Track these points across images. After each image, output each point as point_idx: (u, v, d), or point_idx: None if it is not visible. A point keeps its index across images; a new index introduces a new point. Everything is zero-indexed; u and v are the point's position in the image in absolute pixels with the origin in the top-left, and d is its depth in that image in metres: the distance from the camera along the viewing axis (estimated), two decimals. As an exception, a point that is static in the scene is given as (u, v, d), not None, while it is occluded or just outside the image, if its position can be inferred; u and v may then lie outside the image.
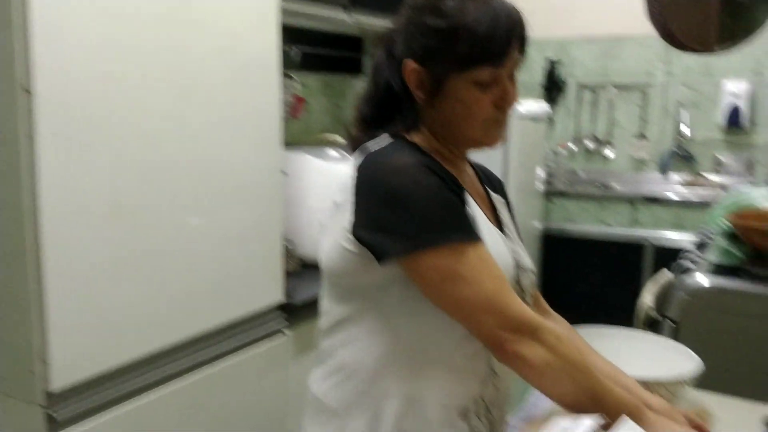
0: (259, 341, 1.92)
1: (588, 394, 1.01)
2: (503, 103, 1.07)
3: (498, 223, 1.19)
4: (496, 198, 1.24)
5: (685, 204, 3.56)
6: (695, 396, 1.52)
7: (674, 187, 3.87)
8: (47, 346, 1.37)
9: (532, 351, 1.00)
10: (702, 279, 1.93)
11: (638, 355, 1.52)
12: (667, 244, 3.45)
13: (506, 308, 1.01)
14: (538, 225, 3.55)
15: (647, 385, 1.31)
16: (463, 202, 1.06)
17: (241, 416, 1.87)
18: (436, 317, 1.05)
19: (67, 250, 1.39)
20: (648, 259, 3.50)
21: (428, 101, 1.10)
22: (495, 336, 1.00)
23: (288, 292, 2.03)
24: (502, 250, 1.10)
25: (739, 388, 1.58)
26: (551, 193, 3.74)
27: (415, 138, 1.12)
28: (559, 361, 1.00)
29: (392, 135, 1.13)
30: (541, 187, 3.53)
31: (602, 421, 0.96)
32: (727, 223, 2.28)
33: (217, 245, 1.76)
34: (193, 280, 1.70)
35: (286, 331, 2.01)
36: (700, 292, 1.90)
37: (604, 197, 3.72)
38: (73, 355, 1.42)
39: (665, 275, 2.22)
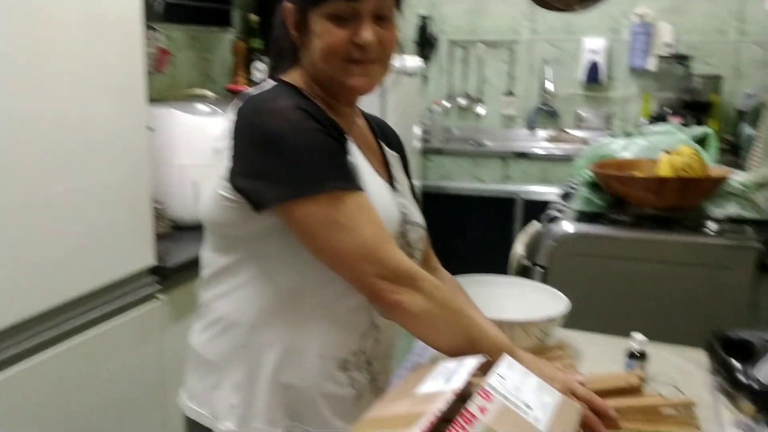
0: (132, 307, 1.83)
1: (466, 339, 1.02)
2: (358, 39, 1.03)
3: (389, 178, 1.17)
4: (390, 153, 1.22)
5: (550, 158, 3.73)
6: (565, 334, 1.60)
7: (541, 143, 4.04)
8: None
9: (410, 300, 0.99)
10: (567, 226, 2.02)
11: (513, 299, 1.58)
12: (536, 198, 3.61)
13: (384, 257, 0.99)
14: (416, 183, 3.60)
15: (522, 325, 1.36)
16: (344, 149, 1.04)
17: (118, 383, 1.80)
18: (316, 268, 1.03)
19: None
20: (519, 212, 3.65)
21: (301, 41, 1.08)
22: (373, 285, 0.99)
23: (160, 256, 1.94)
24: (388, 203, 1.09)
25: (604, 324, 1.68)
26: (428, 151, 3.80)
27: (300, 82, 1.09)
28: (437, 309, 1.01)
29: (276, 79, 1.10)
30: (418, 144, 3.57)
31: (484, 360, 0.98)
32: (588, 173, 2.40)
33: (81, 207, 1.65)
34: (57, 245, 1.59)
35: (160, 296, 1.93)
36: (565, 239, 2.00)
37: (478, 154, 3.82)
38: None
39: (534, 226, 2.31)
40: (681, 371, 1.44)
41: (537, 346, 1.43)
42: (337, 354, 1.09)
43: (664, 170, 1.99)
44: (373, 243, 0.99)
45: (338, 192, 0.98)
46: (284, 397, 1.08)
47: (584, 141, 3.87)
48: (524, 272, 2.03)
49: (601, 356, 1.45)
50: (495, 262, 2.50)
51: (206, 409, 1.12)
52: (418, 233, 1.18)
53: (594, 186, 2.39)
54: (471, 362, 0.95)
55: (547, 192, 3.54)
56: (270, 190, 0.97)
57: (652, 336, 1.39)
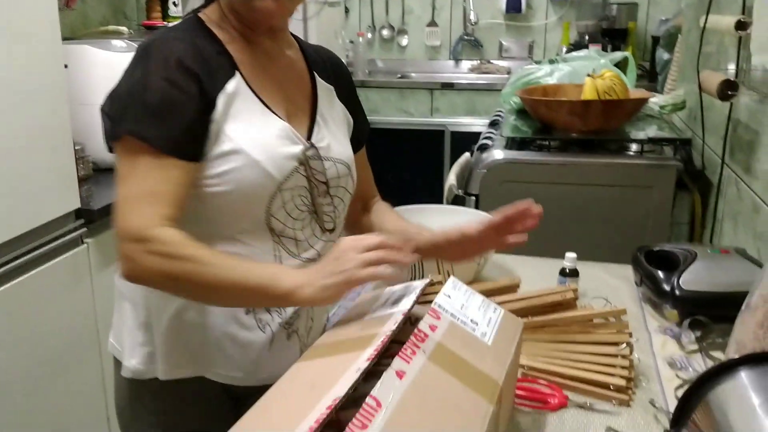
0: (59, 252, 1.77)
1: (228, 284, 0.92)
2: None
3: (311, 112, 1.10)
4: (323, 85, 1.15)
5: (476, 89, 3.75)
6: (500, 258, 1.65)
7: (465, 74, 4.05)
8: None
9: (151, 263, 0.90)
10: (497, 154, 2.06)
11: (448, 226, 1.61)
12: (464, 129, 3.64)
13: (122, 219, 0.91)
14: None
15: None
16: (189, 105, 0.94)
17: (51, 329, 1.75)
18: (212, 208, 0.99)
19: None
20: (447, 144, 3.68)
21: None
22: (118, 249, 0.92)
23: (84, 199, 1.87)
24: (272, 145, 1.00)
25: (536, 247, 1.74)
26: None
27: (213, 16, 1.05)
28: (179, 266, 0.90)
29: (192, 12, 1.06)
30: (341, 78, 3.53)
31: (429, 282, 0.99)
32: (516, 100, 2.44)
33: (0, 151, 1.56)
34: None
35: (87, 240, 1.87)
36: (495, 166, 2.03)
37: (404, 86, 3.80)
38: None
39: (465, 156, 2.34)
40: (610, 286, 1.51)
41: (476, 272, 1.48)
42: None
43: (588, 94, 2.04)
44: (122, 202, 0.92)
45: (137, 141, 0.92)
46: (189, 338, 1.05)
47: (508, 70, 3.91)
48: (457, 202, 2.07)
49: (535, 277, 1.50)
50: (427, 194, 2.52)
51: (119, 343, 1.12)
52: (336, 170, 1.10)
53: (521, 113, 2.43)
54: (417, 285, 0.97)
55: (474, 123, 3.58)
56: (106, 127, 0.97)
57: (582, 256, 1.44)
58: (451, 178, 2.20)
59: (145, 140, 0.92)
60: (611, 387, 1.08)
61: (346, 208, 1.15)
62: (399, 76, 4.03)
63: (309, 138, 1.07)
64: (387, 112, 3.79)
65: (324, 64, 1.18)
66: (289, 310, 1.08)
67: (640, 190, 1.93)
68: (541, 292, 1.28)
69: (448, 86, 3.73)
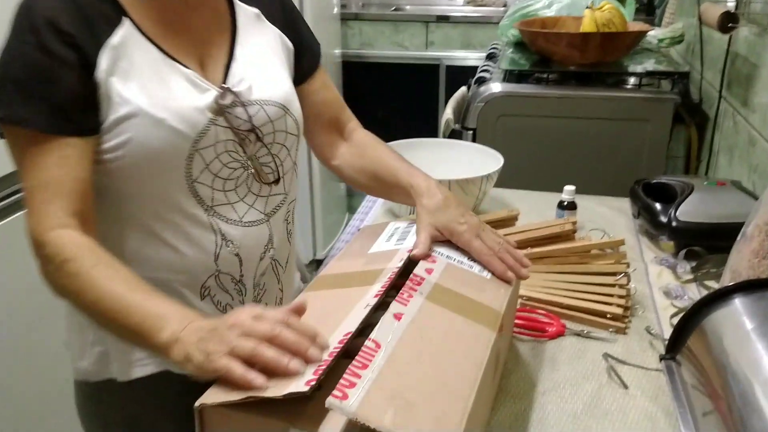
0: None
1: (108, 315, 0.77)
2: None
3: (230, 48, 0.94)
4: (244, 10, 0.97)
5: (471, 21, 3.69)
6: (499, 193, 1.66)
7: (461, 6, 3.98)
8: None
9: (46, 272, 0.80)
10: (494, 87, 2.04)
11: (447, 161, 1.62)
12: (459, 63, 3.60)
13: (26, 220, 0.81)
14: (337, 52, 3.51)
15: (460, 183, 1.41)
16: (64, 72, 0.80)
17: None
18: (120, 188, 0.87)
19: None
20: (443, 78, 3.64)
21: None
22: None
23: None
24: (178, 94, 0.85)
25: (534, 182, 1.76)
26: (346, 17, 3.69)
27: None
28: (66, 281, 0.78)
29: None
30: (335, 10, 3.46)
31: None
32: (514, 33, 2.41)
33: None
34: None
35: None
36: (492, 99, 2.02)
37: (398, 19, 3.74)
38: None
39: (462, 91, 2.33)
40: (607, 219, 1.53)
41: (475, 205, 1.49)
42: (191, 281, 0.92)
43: (587, 26, 2.01)
44: (25, 197, 0.81)
45: (14, 127, 0.80)
46: None
47: (504, 2, 3.84)
48: (454, 137, 2.07)
49: (533, 211, 1.52)
50: (422, 129, 2.52)
51: (70, 342, 1.01)
52: (266, 114, 0.93)
53: (519, 45, 2.41)
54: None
55: (470, 56, 3.54)
56: None
57: (580, 189, 1.46)
58: (447, 112, 2.20)
59: (22, 123, 0.79)
60: (608, 315, 1.11)
61: (292, 152, 1.00)
62: (393, 8, 3.95)
63: (225, 81, 0.91)
64: (381, 45, 3.74)
65: None
66: (249, 289, 0.96)
67: (637, 124, 1.93)
68: (541, 225, 1.30)
69: (444, 19, 3.67)
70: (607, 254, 1.25)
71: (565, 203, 1.43)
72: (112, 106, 0.82)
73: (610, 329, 1.10)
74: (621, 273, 1.18)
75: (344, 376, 0.63)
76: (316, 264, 3.22)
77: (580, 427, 0.89)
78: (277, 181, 0.97)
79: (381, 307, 0.76)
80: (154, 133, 0.83)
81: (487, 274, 0.91)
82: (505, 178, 1.57)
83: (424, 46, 3.71)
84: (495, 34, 2.63)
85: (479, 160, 1.57)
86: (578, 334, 1.09)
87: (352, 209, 3.66)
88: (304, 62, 1.06)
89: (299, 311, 0.77)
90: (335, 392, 0.61)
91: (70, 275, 0.77)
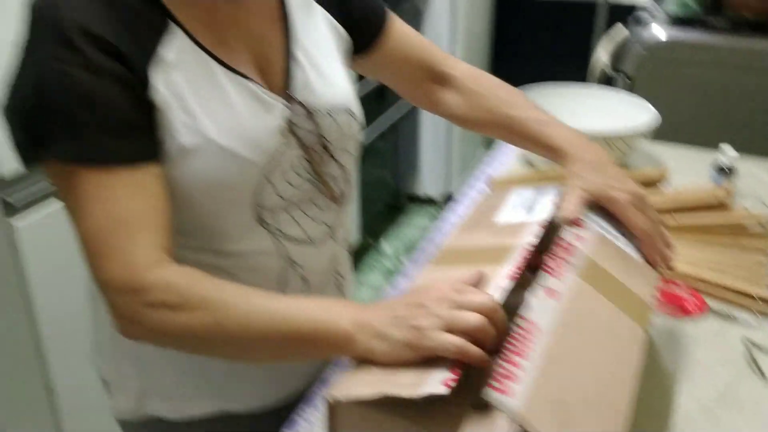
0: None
1: (266, 332, 0.66)
2: None
3: (285, 43, 0.80)
4: (297, 5, 0.83)
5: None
6: (651, 148, 1.55)
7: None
8: None
9: (153, 319, 0.66)
10: (659, 32, 1.89)
11: (594, 110, 1.52)
12: (622, 1, 3.35)
13: (100, 269, 0.67)
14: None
15: (606, 138, 1.32)
16: (113, 95, 0.66)
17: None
18: (181, 220, 0.75)
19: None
20: (602, 17, 3.41)
21: None
22: (107, 304, 0.68)
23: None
24: (244, 115, 0.73)
25: (693, 137, 1.62)
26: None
27: None
28: (193, 318, 0.65)
29: None
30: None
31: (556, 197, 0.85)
32: (687, -28, 2.20)
33: None
34: None
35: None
36: (656, 46, 1.87)
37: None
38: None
39: (621, 31, 2.17)
40: (768, 186, 1.39)
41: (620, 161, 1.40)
42: None
43: (774, -32, 1.80)
44: (91, 242, 0.67)
45: (67, 163, 0.66)
46: (202, 363, 0.82)
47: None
48: (608, 82, 1.94)
49: (688, 170, 1.41)
50: (575, 73, 2.38)
51: (103, 368, 0.91)
52: (336, 123, 0.82)
53: (690, -13, 2.20)
54: (551, 191, 0.86)
55: (634, -6, 3.29)
56: (19, 144, 0.69)
57: (743, 150, 1.33)
58: (601, 55, 2.06)
59: (81, 161, 0.66)
60: (755, 297, 1.01)
61: (355, 159, 0.89)
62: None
63: (287, 88, 0.78)
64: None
65: None
66: (317, 280, 0.86)
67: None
68: (690, 190, 1.20)
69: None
70: (763, 229, 1.13)
71: (723, 167, 1.31)
72: (172, 135, 0.69)
73: (757, 312, 1.01)
74: (777, 252, 1.07)
75: (500, 362, 0.56)
76: (447, 199, 3.20)
77: (709, 419, 0.83)
78: (342, 195, 0.86)
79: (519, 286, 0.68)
80: (220, 164, 0.70)
81: (638, 256, 0.80)
82: (662, 131, 1.46)
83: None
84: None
85: (630, 112, 1.47)
86: (720, 314, 1.01)
87: (488, 143, 3.57)
88: (366, 30, 0.92)
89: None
90: (493, 382, 0.54)
91: (198, 307, 0.65)
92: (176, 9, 0.70)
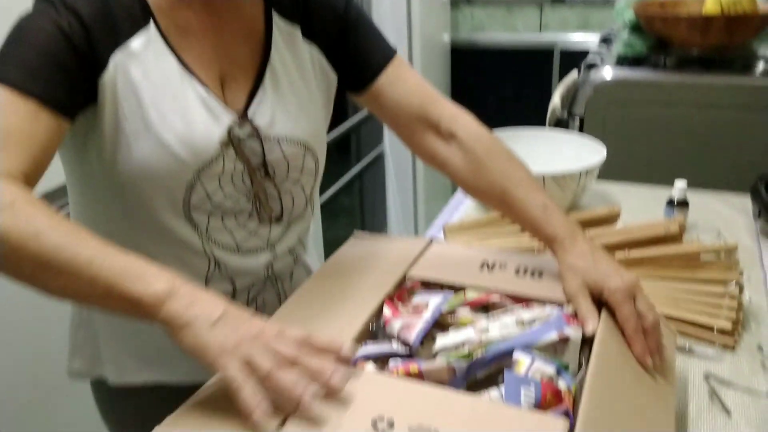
0: None
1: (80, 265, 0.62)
2: None
3: (259, 70, 0.84)
4: (281, 27, 0.86)
5: (588, 3, 3.51)
6: (602, 187, 1.55)
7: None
8: None
9: None
10: (606, 72, 1.91)
11: (547, 152, 1.53)
12: (575, 47, 3.43)
13: None
14: (446, 38, 3.44)
15: (556, 179, 1.32)
16: (68, 52, 0.71)
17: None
18: (122, 193, 0.80)
19: None
20: (557, 64, 3.49)
21: None
22: None
23: None
24: (190, 116, 0.77)
25: (646, 175, 1.63)
26: (457, 1, 3.60)
27: None
28: (21, 224, 0.62)
29: None
30: (446, -5, 3.39)
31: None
32: (630, 15, 2.25)
33: None
34: None
35: None
36: (603, 86, 1.90)
37: (512, 2, 3.61)
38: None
39: (573, 76, 2.21)
40: (723, 218, 1.40)
41: (571, 202, 1.40)
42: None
43: (710, 7, 1.84)
44: None
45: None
46: (138, 336, 0.89)
47: (626, -18, 3.62)
48: (561, 124, 1.96)
49: (640, 207, 1.41)
50: (532, 117, 2.41)
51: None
52: (281, 154, 0.84)
53: (636, 29, 2.24)
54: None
55: (587, 41, 3.37)
56: None
57: (695, 184, 1.33)
58: (555, 100, 2.09)
59: (4, 80, 0.69)
60: (714, 329, 1.00)
61: (307, 188, 0.91)
62: (507, -9, 3.82)
63: (246, 109, 0.82)
64: (493, 28, 3.63)
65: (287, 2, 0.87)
66: (242, 305, 0.82)
67: (764, 113, 1.75)
68: (643, 225, 1.20)
69: (559, 1, 3.51)
70: (718, 261, 1.13)
71: (675, 200, 1.32)
72: (119, 119, 0.75)
73: (717, 345, 0.99)
74: (733, 281, 1.06)
75: None
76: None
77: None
78: (280, 218, 0.89)
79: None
80: (156, 155, 0.76)
81: None
82: (614, 170, 1.46)
83: (538, 29, 3.57)
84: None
85: (580, 152, 1.47)
86: (679, 350, 0.99)
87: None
88: (362, 71, 0.92)
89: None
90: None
91: (25, 220, 0.62)
92: (158, 10, 0.77)
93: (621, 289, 0.76)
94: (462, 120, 0.94)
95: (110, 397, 0.95)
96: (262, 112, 0.82)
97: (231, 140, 0.80)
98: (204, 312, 0.60)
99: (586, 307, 0.76)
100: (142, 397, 0.90)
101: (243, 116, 0.81)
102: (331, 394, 0.59)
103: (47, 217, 0.63)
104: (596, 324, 0.74)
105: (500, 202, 0.91)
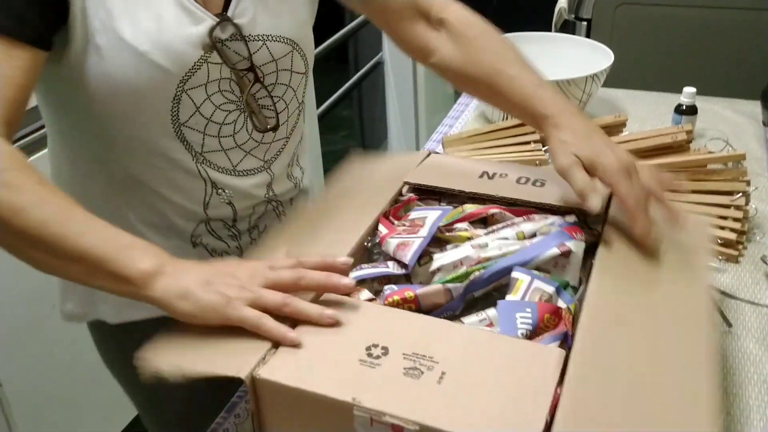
0: None
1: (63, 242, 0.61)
2: None
3: None
4: None
5: None
6: (609, 93, 1.50)
7: None
8: None
9: None
10: (616, -29, 1.83)
11: (552, 58, 1.47)
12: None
13: None
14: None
15: (561, 84, 1.27)
16: None
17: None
18: (99, 120, 0.76)
19: None
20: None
21: None
22: None
23: None
24: (166, 22, 0.72)
25: (655, 81, 1.58)
26: None
27: None
28: (6, 193, 0.61)
29: None
30: None
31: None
32: None
33: None
34: None
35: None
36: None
37: None
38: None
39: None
40: (732, 125, 1.36)
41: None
42: (180, 229, 0.84)
43: None
44: None
45: None
46: None
47: None
48: (566, 29, 1.89)
49: (648, 114, 1.37)
50: (537, 20, 2.32)
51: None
52: (268, 52, 0.80)
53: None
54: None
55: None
56: None
57: (704, 90, 1.29)
58: (561, 1, 2.00)
59: None
60: (718, 241, 0.98)
61: (299, 91, 0.87)
62: None
63: (225, 9, 0.76)
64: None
65: None
66: (244, 232, 0.89)
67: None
68: (649, 134, 1.16)
69: None
70: (725, 170, 1.10)
71: (684, 107, 1.27)
72: (88, 31, 0.69)
73: (720, 257, 0.98)
74: (739, 192, 1.03)
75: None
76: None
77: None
78: (276, 127, 0.85)
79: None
80: (134, 68, 0.71)
81: None
82: (621, 77, 1.41)
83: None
84: None
85: (587, 57, 1.42)
86: (682, 260, 0.98)
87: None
88: None
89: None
90: None
91: (9, 187, 0.61)
92: None
93: (616, 165, 0.71)
94: (453, 7, 0.90)
95: (111, 337, 0.92)
96: (242, 11, 0.77)
97: (213, 43, 0.74)
98: (194, 279, 0.60)
99: (582, 180, 0.71)
100: (146, 332, 0.87)
101: (223, 17, 0.75)
102: (345, 292, 0.62)
103: (33, 190, 0.61)
104: (599, 199, 0.70)
105: (489, 87, 0.85)
